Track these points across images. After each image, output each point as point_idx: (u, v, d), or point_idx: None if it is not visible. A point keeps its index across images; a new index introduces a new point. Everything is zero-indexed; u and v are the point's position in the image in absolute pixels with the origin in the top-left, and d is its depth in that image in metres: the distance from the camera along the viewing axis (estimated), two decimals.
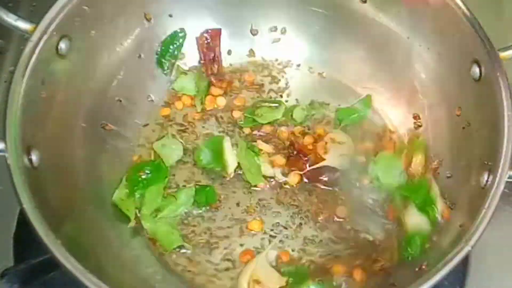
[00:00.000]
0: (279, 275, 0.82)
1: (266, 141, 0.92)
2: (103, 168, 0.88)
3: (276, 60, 1.01)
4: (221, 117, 0.96)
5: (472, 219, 0.71)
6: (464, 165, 0.83)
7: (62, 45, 0.80)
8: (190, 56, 0.98)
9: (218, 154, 0.90)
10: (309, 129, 0.94)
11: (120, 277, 0.77)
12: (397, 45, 0.93)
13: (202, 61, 0.98)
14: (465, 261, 0.85)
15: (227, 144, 0.90)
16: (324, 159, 0.89)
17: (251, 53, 1.00)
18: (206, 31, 0.97)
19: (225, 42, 0.99)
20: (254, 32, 1.00)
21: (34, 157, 0.74)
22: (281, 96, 0.98)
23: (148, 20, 0.93)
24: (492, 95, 0.77)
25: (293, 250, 0.86)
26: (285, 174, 0.90)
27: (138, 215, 0.86)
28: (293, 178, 0.90)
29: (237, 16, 0.98)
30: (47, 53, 0.78)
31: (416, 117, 0.93)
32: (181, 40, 0.97)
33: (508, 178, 0.72)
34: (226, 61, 1.00)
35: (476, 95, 0.81)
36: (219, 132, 0.95)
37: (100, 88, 0.89)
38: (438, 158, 0.89)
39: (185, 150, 0.92)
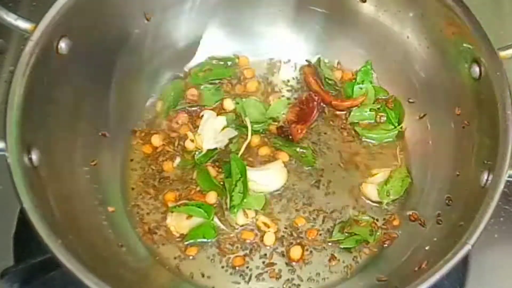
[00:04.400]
0: None
1: None
2: (103, 167, 0.88)
3: (274, 58, 1.01)
4: None
5: (472, 218, 0.71)
6: (464, 164, 0.83)
7: (62, 45, 0.80)
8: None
9: None
10: None
11: (120, 276, 0.77)
12: (397, 44, 0.93)
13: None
14: (465, 261, 0.85)
15: None
16: None
17: (251, 52, 1.01)
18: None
19: (224, 42, 0.99)
20: (253, 32, 1.00)
21: (34, 156, 0.74)
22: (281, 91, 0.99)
23: (148, 20, 0.93)
24: (492, 94, 0.77)
25: None
26: None
27: None
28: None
29: (237, 15, 0.98)
30: (47, 52, 0.78)
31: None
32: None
33: (508, 177, 0.72)
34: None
35: (476, 95, 0.81)
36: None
37: (100, 87, 0.89)
38: (438, 157, 0.89)
39: None
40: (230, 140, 0.93)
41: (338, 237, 0.86)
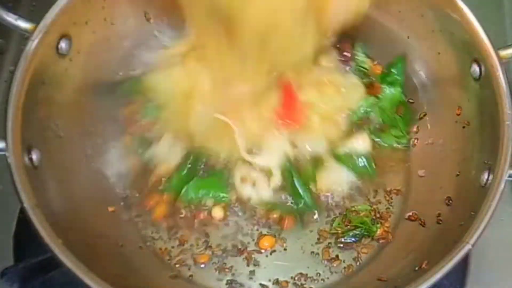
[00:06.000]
0: None
1: None
2: (103, 167, 0.88)
3: None
4: None
5: (472, 218, 0.72)
6: (464, 164, 0.83)
7: (62, 45, 0.80)
8: None
9: None
10: None
11: (120, 276, 0.77)
12: (397, 44, 0.93)
13: None
14: (465, 261, 0.85)
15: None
16: None
17: None
18: None
19: None
20: None
21: (34, 156, 0.74)
22: None
23: (148, 20, 0.93)
24: (492, 94, 0.77)
25: None
26: None
27: None
28: None
29: None
30: (47, 52, 0.78)
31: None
32: None
33: (509, 177, 0.72)
34: None
35: (476, 94, 0.82)
36: None
37: (100, 87, 0.89)
38: (438, 157, 0.89)
39: None
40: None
41: (338, 229, 0.87)
